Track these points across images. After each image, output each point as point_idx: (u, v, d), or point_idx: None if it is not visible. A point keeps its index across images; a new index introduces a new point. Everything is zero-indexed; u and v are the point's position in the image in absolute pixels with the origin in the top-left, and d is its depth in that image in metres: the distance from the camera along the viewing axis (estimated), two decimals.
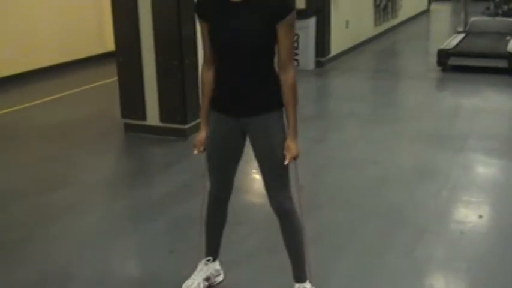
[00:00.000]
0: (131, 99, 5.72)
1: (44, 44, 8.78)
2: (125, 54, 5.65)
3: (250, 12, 2.56)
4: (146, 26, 5.48)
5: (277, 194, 2.77)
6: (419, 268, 3.36)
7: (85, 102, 7.24)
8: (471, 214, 4.02)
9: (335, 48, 9.21)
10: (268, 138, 2.71)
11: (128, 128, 5.83)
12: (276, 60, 2.68)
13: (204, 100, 2.83)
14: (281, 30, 2.56)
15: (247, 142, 2.82)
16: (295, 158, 2.68)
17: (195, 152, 2.88)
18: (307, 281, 2.92)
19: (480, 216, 3.96)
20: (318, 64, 8.77)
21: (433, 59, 8.62)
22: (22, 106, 7.01)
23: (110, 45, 9.83)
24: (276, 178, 2.75)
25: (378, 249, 3.56)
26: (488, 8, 12.01)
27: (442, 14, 15.46)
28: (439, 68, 8.47)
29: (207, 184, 2.94)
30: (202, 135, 2.85)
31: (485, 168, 5.08)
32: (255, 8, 2.55)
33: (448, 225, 3.91)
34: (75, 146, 5.61)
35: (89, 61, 9.44)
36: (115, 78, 7.92)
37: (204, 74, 2.80)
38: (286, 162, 2.66)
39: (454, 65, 8.36)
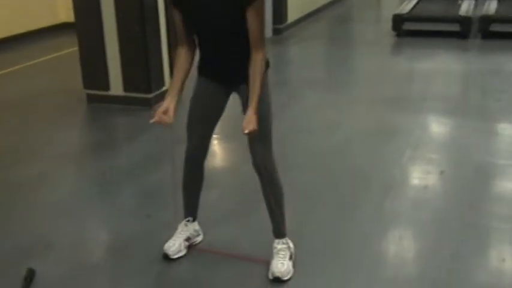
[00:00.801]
0: (93, 69, 5.67)
1: None
2: (85, 23, 5.56)
3: (218, 1, 2.61)
4: None
5: (260, 153, 2.85)
6: (387, 220, 3.53)
7: (43, 75, 7.11)
8: (433, 170, 4.20)
9: (292, 15, 9.27)
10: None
11: (90, 98, 5.79)
12: None
13: (175, 78, 2.82)
14: (249, 14, 2.61)
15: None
16: (253, 132, 2.63)
17: (151, 120, 2.75)
18: (286, 236, 3.04)
19: (441, 172, 4.16)
20: (276, 31, 8.83)
21: (388, 25, 8.80)
22: None
23: (62, 16, 9.69)
24: (260, 138, 2.82)
25: (347, 205, 3.71)
26: None
27: None
28: (394, 33, 8.65)
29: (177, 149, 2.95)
30: (164, 105, 2.76)
31: (443, 126, 5.30)
32: None
33: (412, 181, 4.10)
34: (38, 119, 5.54)
35: (41, 33, 9.23)
36: (70, 49, 7.89)
37: (178, 52, 2.83)
38: (245, 132, 2.62)
39: (408, 29, 8.56)
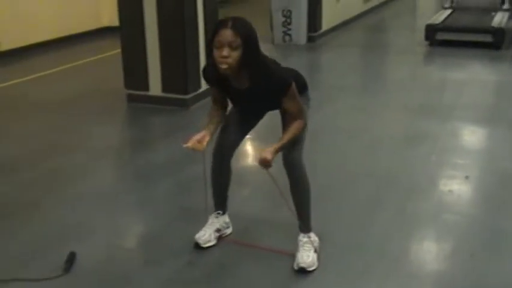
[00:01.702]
0: (134, 70, 5.95)
1: (41, 19, 8.91)
2: (128, 27, 5.87)
3: (254, 96, 2.91)
4: (149, 1, 5.68)
5: (292, 153, 3.04)
6: (410, 221, 3.68)
7: (85, 76, 7.44)
8: (458, 175, 4.33)
9: (326, 23, 9.45)
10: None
11: (130, 98, 6.07)
12: None
13: (211, 118, 3.10)
14: (285, 101, 2.90)
15: None
16: (263, 163, 2.83)
17: (185, 145, 2.99)
18: (311, 231, 3.22)
19: (466, 177, 4.28)
20: (310, 39, 9.02)
21: (421, 34, 8.90)
22: (24, 79, 7.20)
23: (105, 21, 10.06)
24: (295, 143, 3.02)
25: (371, 206, 3.86)
26: None
27: None
28: (427, 42, 8.75)
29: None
30: (201, 134, 3.00)
31: (470, 134, 5.40)
32: (258, 92, 2.88)
33: (436, 185, 4.23)
34: (80, 116, 5.84)
35: (85, 36, 9.61)
36: (112, 52, 8.22)
37: (212, 110, 3.13)
38: (260, 160, 2.85)
39: (441, 39, 8.65)
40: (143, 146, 5.06)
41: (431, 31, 8.64)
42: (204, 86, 5.98)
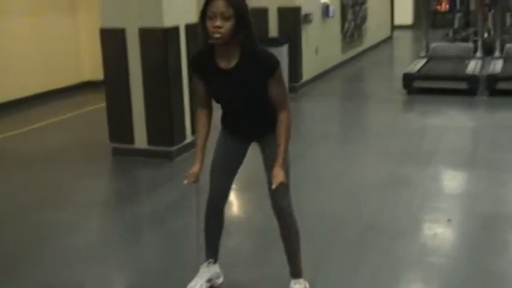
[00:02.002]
0: (119, 124, 6.02)
1: (25, 74, 8.99)
2: (113, 80, 5.97)
3: (240, 78, 2.95)
4: (134, 56, 5.81)
5: (280, 197, 3.11)
6: (397, 265, 3.75)
7: (70, 130, 7.49)
8: (441, 218, 4.43)
9: (307, 74, 9.66)
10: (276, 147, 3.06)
11: (116, 151, 6.13)
12: None
13: (199, 138, 3.17)
14: (271, 84, 2.97)
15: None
16: (281, 185, 2.96)
17: (185, 182, 3.11)
18: (302, 277, 3.27)
19: (449, 220, 4.37)
20: (291, 89, 9.17)
21: (398, 83, 9.13)
22: (8, 134, 7.22)
23: (86, 75, 10.18)
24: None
25: (358, 251, 3.93)
26: (447, 35, 12.67)
27: (404, 41, 16.16)
28: (405, 91, 8.98)
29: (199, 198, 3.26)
30: (194, 168, 3.12)
31: (451, 178, 5.54)
32: (243, 74, 2.94)
33: (420, 229, 4.32)
34: (66, 170, 5.87)
35: (67, 91, 9.68)
36: (95, 106, 8.31)
37: (199, 116, 3.18)
38: (273, 187, 2.96)
39: (418, 87, 8.87)
40: (130, 199, 5.10)
41: (408, 80, 8.89)
42: (189, 137, 6.08)
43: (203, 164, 3.13)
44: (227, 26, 2.81)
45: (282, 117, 3.01)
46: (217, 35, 2.82)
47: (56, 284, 3.60)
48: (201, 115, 3.16)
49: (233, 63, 2.94)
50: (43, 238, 4.30)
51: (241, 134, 3.19)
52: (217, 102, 3.12)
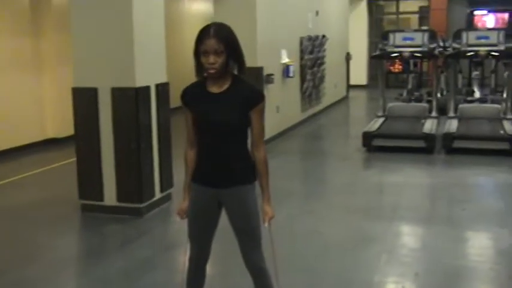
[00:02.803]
0: (89, 181, 6.06)
1: None
2: (84, 139, 6.03)
3: (229, 101, 3.12)
4: (105, 114, 5.92)
5: (252, 255, 3.24)
6: None
7: (36, 186, 7.45)
8: (409, 272, 4.60)
9: (268, 132, 9.78)
10: (244, 206, 3.22)
11: (85, 208, 6.14)
12: (248, 140, 3.25)
13: (187, 175, 3.32)
14: (254, 115, 3.14)
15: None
16: (271, 219, 3.22)
17: (178, 218, 3.35)
18: None
19: (416, 274, 4.55)
20: None
21: (356, 141, 9.44)
22: None
23: (50, 132, 10.17)
24: (251, 241, 3.25)
25: None
26: (401, 95, 13.14)
27: (359, 100, 16.70)
28: (364, 148, 9.28)
29: (187, 250, 3.36)
30: (184, 204, 3.33)
31: (413, 234, 5.75)
32: (232, 98, 3.12)
33: (390, 283, 4.47)
34: (35, 227, 5.84)
35: (30, 148, 9.63)
36: (60, 163, 8.31)
37: (188, 153, 3.31)
38: (266, 225, 3.18)
39: (377, 145, 9.20)
40: (101, 256, 5.10)
41: (367, 138, 9.20)
42: (158, 194, 6.15)
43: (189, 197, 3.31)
44: (220, 60, 3.03)
45: (259, 154, 3.18)
46: (212, 71, 3.04)
47: None
48: (190, 153, 3.29)
49: (224, 88, 3.13)
50: None
51: (211, 179, 3.22)
52: (201, 130, 3.19)
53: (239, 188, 3.21)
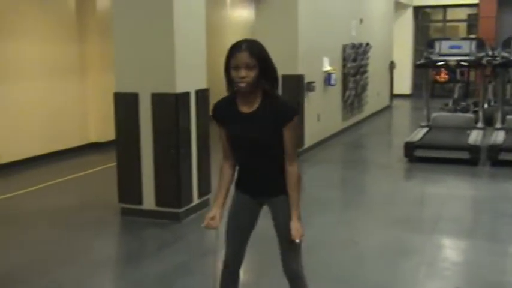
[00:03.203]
0: (129, 185, 6.12)
1: (34, 134, 9.14)
2: (124, 144, 6.10)
3: (260, 120, 3.09)
4: (145, 119, 5.97)
5: (291, 261, 3.20)
6: None
7: (78, 190, 7.57)
8: (448, 286, 4.47)
9: (308, 140, 9.83)
10: (286, 213, 3.17)
11: (124, 212, 6.20)
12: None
13: (220, 188, 3.30)
14: (286, 131, 3.10)
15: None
16: (301, 237, 3.13)
17: (202, 225, 3.25)
18: None
19: None
20: None
21: (399, 151, 9.28)
22: (15, 193, 7.29)
23: (92, 137, 10.34)
24: (292, 248, 3.20)
25: None
26: (446, 105, 12.91)
27: (403, 109, 16.47)
28: (406, 159, 9.12)
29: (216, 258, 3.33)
30: (212, 212, 3.25)
31: (456, 246, 5.60)
32: (264, 117, 3.08)
33: None
34: (75, 229, 5.93)
35: (73, 151, 9.82)
36: (101, 167, 8.43)
37: (223, 167, 3.31)
38: (297, 241, 3.12)
39: (420, 156, 9.02)
40: (138, 259, 5.13)
41: (410, 148, 9.04)
42: (196, 199, 6.17)
43: (222, 211, 3.25)
44: (251, 75, 2.99)
45: (291, 169, 3.12)
46: (242, 85, 3.00)
47: None
48: (225, 166, 3.28)
49: (254, 107, 3.09)
50: None
51: (252, 190, 3.26)
52: (236, 148, 3.21)
53: (282, 196, 3.18)
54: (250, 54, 2.99)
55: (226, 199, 3.28)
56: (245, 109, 3.11)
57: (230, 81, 3.08)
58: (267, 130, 3.08)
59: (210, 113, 3.28)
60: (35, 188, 7.55)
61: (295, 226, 3.12)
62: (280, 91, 9.36)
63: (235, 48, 3.03)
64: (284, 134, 3.08)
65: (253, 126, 3.08)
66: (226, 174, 3.28)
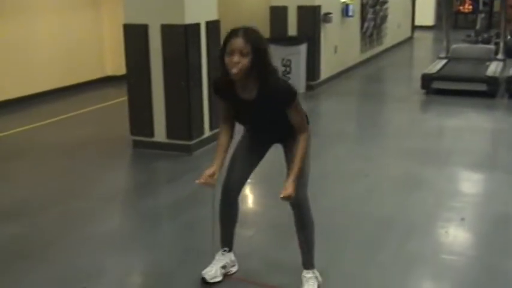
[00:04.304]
0: (140, 117, 6.14)
1: (48, 68, 9.17)
2: (135, 76, 6.09)
3: (262, 106, 3.09)
4: (155, 51, 5.93)
5: (297, 193, 3.19)
6: (409, 261, 3.81)
7: (91, 123, 7.64)
8: (454, 217, 4.48)
9: (324, 72, 9.72)
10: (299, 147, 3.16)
11: (136, 144, 6.25)
12: None
13: (219, 149, 3.30)
14: (290, 112, 3.10)
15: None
16: (289, 198, 3.08)
17: (197, 181, 3.25)
18: (315, 268, 3.36)
19: (462, 219, 4.42)
20: (309, 88, 9.27)
21: (417, 84, 9.14)
22: (30, 126, 7.38)
23: (108, 70, 10.35)
24: (300, 177, 3.19)
25: (372, 246, 4.00)
26: (469, 36, 12.62)
27: (425, 41, 16.13)
28: (423, 91, 8.99)
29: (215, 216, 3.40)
30: (211, 169, 3.24)
31: (467, 179, 5.57)
32: (264, 103, 3.08)
33: (434, 226, 4.37)
34: (87, 162, 6.01)
35: (89, 85, 9.86)
36: (116, 100, 8.47)
37: (222, 129, 3.32)
38: (281, 197, 3.07)
39: (437, 88, 8.88)
40: (149, 190, 5.21)
41: (427, 80, 8.90)
42: (207, 132, 6.19)
43: (220, 170, 3.25)
44: (244, 61, 2.95)
45: (301, 137, 3.13)
46: (234, 70, 2.96)
47: (79, 268, 3.74)
48: (223, 128, 3.31)
49: (253, 95, 3.08)
50: (67, 226, 4.44)
51: (262, 141, 3.35)
52: (241, 121, 3.29)
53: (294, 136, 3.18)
54: (245, 40, 2.95)
55: (224, 160, 3.30)
56: (245, 96, 3.11)
57: (224, 68, 3.03)
58: (270, 113, 3.10)
59: (211, 87, 3.26)
60: (49, 121, 7.64)
61: (287, 185, 3.07)
62: (295, 23, 9.26)
63: (231, 34, 3.01)
64: (288, 114, 3.09)
65: (256, 111, 3.12)
66: (224, 138, 3.29)
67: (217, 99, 3.34)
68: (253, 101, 3.09)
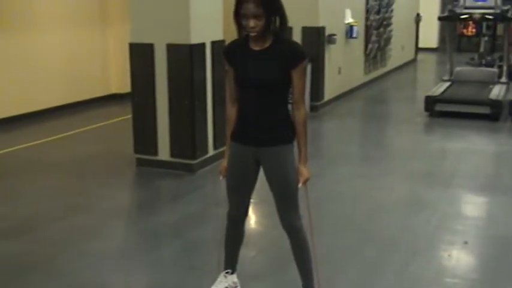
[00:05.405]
0: (144, 136, 6.16)
1: (54, 85, 9.23)
2: (140, 94, 6.12)
3: (269, 58, 3.07)
4: (161, 70, 5.97)
5: (289, 214, 3.21)
6: (412, 283, 3.79)
7: (95, 140, 7.67)
8: (457, 240, 4.46)
9: (328, 93, 9.75)
10: (281, 167, 3.18)
11: (140, 162, 6.27)
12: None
13: (229, 133, 3.31)
14: (295, 74, 3.08)
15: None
16: (306, 181, 3.17)
17: (221, 178, 3.36)
18: None
19: (465, 242, 4.41)
20: (313, 108, 9.29)
21: (420, 105, 9.16)
22: (34, 143, 7.40)
23: (113, 88, 10.41)
24: (288, 201, 3.22)
25: (375, 268, 3.99)
26: (473, 59, 12.63)
27: (428, 64, 16.19)
28: (426, 113, 9.01)
29: (221, 210, 3.38)
30: (225, 162, 3.32)
31: (469, 202, 5.56)
32: (273, 55, 3.07)
33: (437, 249, 4.36)
34: (91, 179, 6.03)
35: (93, 102, 9.91)
36: (120, 118, 8.51)
37: (229, 110, 3.31)
38: (300, 185, 3.14)
39: (440, 110, 8.89)
40: (152, 209, 5.21)
41: (430, 102, 8.92)
42: (211, 151, 6.20)
43: None
44: (260, 24, 2.98)
45: (300, 113, 3.14)
46: (253, 34, 3.01)
47: (80, 284, 3.73)
48: (232, 110, 3.28)
49: (265, 45, 3.09)
50: (69, 243, 4.44)
51: (251, 137, 3.19)
52: (241, 87, 3.18)
53: (278, 147, 3.17)
54: (257, 3, 2.95)
55: None
56: (256, 47, 3.10)
57: (240, 27, 3.06)
58: (275, 68, 3.06)
59: (222, 54, 3.25)
60: (53, 138, 7.66)
61: (301, 170, 3.15)
62: (300, 43, 9.28)
63: None
64: (293, 77, 3.07)
65: (262, 63, 3.08)
66: (233, 118, 3.27)
67: (228, 73, 3.25)
68: (263, 50, 3.08)
